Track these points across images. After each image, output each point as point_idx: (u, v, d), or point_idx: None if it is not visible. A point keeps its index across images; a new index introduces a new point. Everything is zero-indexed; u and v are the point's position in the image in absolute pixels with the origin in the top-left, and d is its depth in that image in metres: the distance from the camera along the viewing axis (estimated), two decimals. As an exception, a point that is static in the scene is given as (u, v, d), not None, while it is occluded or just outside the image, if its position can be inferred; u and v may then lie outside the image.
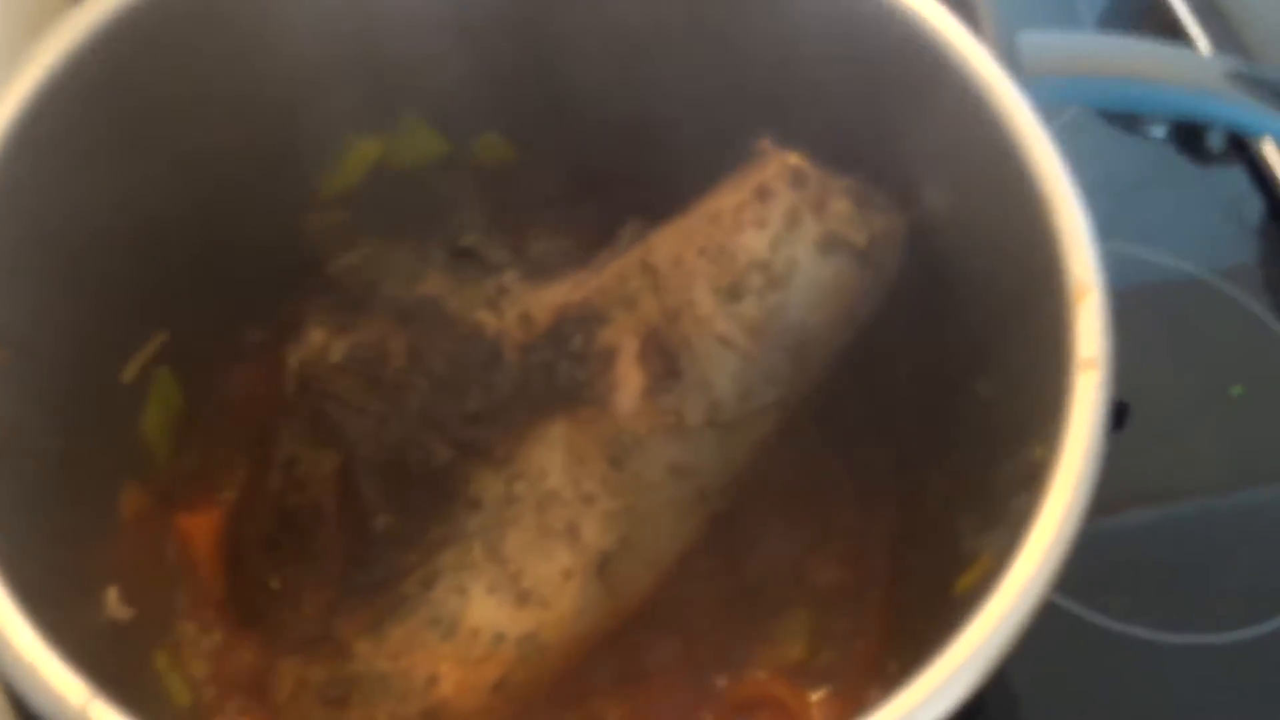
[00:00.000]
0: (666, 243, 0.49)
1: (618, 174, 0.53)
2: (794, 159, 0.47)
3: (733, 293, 0.46)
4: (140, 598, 0.44)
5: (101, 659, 0.39)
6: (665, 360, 0.46)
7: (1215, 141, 0.75)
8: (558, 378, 0.48)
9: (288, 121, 0.50)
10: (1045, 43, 0.60)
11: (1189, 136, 0.76)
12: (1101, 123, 0.75)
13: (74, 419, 0.43)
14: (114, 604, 0.42)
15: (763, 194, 0.47)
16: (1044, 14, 0.79)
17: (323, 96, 0.50)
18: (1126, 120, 0.76)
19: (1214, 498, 0.63)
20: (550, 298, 0.51)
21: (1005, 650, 0.32)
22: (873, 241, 0.46)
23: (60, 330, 0.43)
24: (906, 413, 0.51)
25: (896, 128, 0.47)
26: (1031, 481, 0.35)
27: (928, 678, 0.31)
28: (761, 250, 0.46)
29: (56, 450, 0.41)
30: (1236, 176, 0.74)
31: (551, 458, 0.48)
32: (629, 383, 0.47)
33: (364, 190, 0.54)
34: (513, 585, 0.47)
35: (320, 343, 0.52)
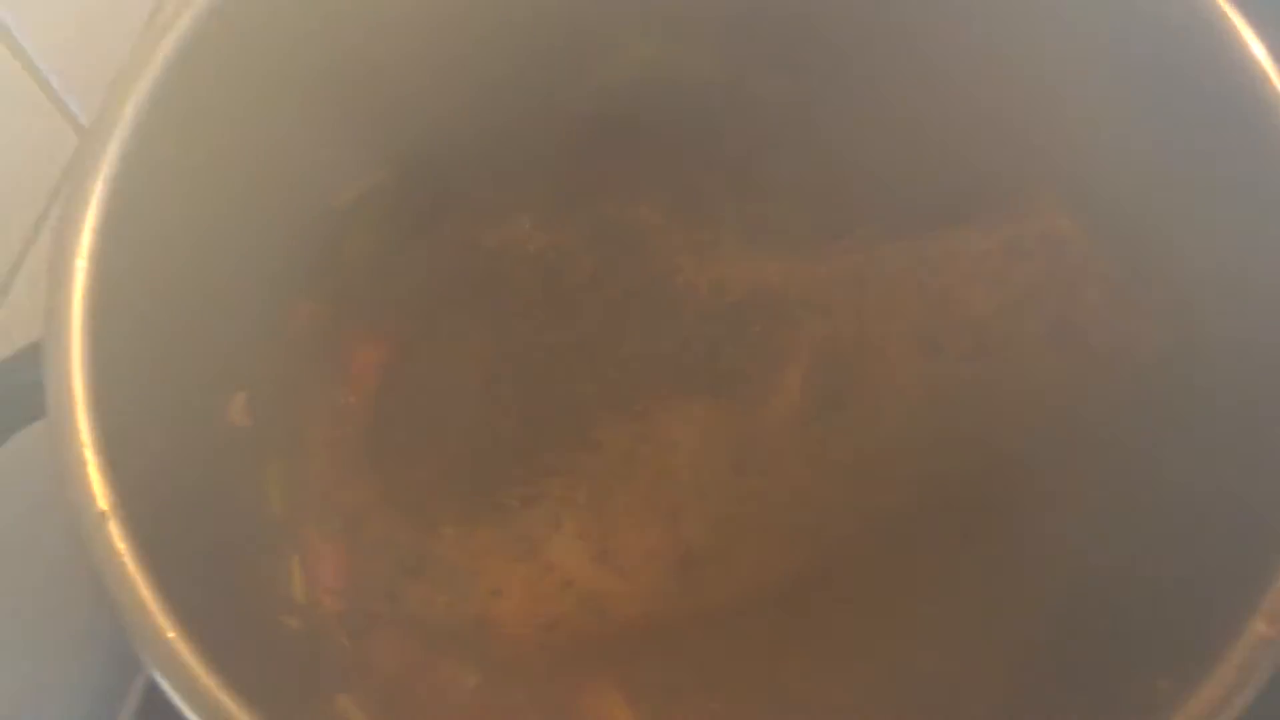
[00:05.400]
0: (891, 261, 0.44)
1: (879, 175, 0.47)
2: (1064, 220, 0.41)
3: (933, 345, 0.41)
4: (268, 409, 0.46)
5: (208, 462, 0.41)
6: (831, 388, 0.42)
7: None
8: (720, 359, 0.45)
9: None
10: None
11: None
12: None
13: (267, 233, 0.44)
14: (237, 410, 0.44)
15: (1012, 250, 0.41)
16: None
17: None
18: None
19: None
20: (753, 272, 0.47)
21: None
22: (1114, 351, 0.39)
23: (288, 151, 0.43)
24: (1058, 549, 0.43)
25: (1189, 209, 0.38)
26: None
27: None
28: (983, 312, 0.40)
29: (234, 259, 0.42)
30: None
31: (685, 434, 0.45)
32: (786, 395, 0.43)
33: (626, 93, 0.52)
34: (600, 539, 0.45)
35: (523, 231, 0.51)
